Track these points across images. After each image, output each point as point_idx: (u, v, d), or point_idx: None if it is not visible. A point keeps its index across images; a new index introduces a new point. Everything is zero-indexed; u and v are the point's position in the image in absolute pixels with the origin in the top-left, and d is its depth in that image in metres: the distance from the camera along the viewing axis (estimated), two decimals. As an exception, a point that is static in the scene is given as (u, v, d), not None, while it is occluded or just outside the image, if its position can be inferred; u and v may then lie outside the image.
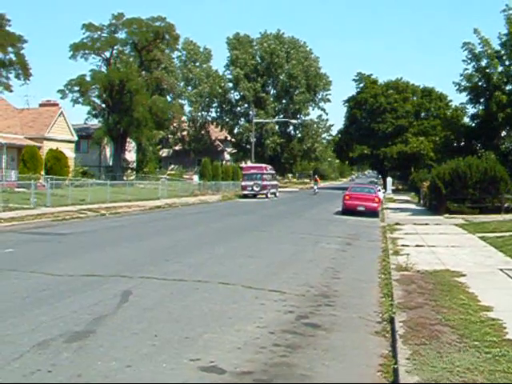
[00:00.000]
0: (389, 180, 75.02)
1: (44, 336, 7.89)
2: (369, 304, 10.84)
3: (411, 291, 11.24)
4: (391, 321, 9.23)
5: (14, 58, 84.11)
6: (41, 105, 62.18)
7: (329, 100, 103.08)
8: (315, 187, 72.97)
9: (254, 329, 8.64)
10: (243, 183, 57.23)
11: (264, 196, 55.64)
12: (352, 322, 9.46)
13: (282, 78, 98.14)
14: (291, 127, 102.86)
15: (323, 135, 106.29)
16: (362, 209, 35.23)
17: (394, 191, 73.80)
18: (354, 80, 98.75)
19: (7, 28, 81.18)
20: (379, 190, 48.22)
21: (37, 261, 14.43)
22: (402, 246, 19.01)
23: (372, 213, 35.30)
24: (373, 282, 13.19)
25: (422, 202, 49.00)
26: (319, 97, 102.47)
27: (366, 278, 13.58)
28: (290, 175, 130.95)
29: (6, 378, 6.38)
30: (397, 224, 27.67)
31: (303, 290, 11.72)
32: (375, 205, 36.08)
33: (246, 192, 55.47)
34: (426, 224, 27.92)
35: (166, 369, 6.85)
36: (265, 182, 56.22)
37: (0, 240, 18.97)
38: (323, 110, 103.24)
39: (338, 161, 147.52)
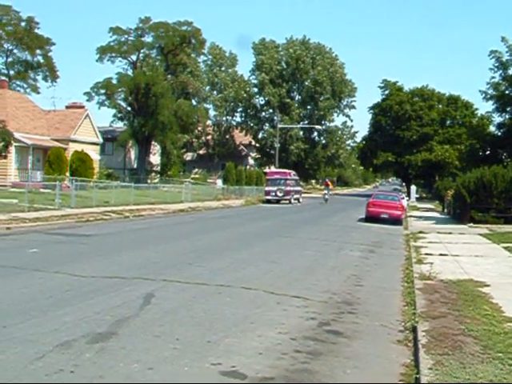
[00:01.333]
0: (413, 188, 74.67)
1: (67, 336, 7.94)
2: (391, 312, 10.78)
3: (434, 300, 11.17)
4: (414, 330, 9.16)
5: (41, 61, 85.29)
6: (67, 107, 62.64)
7: (354, 107, 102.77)
8: (326, 193, 60.44)
9: (276, 334, 8.63)
10: (267, 188, 57.22)
11: (287, 201, 55.58)
12: (374, 330, 9.41)
13: (307, 83, 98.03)
14: (315, 133, 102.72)
15: (347, 142, 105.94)
16: (385, 216, 35.07)
17: (417, 199, 73.42)
18: (379, 87, 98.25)
19: (36, 31, 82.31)
20: (403, 198, 47.99)
21: (61, 261, 14.53)
22: (426, 254, 18.88)
23: (395, 220, 35.07)
24: (396, 290, 13.12)
25: (445, 210, 48.63)
26: (344, 103, 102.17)
27: (388, 286, 13.51)
28: (313, 181, 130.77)
29: (29, 376, 6.43)
30: (420, 232, 27.49)
31: (326, 296, 11.69)
32: (399, 212, 35.87)
33: (269, 197, 55.44)
34: (450, 233, 27.71)
35: (188, 372, 6.86)
36: (288, 188, 56.17)
37: (25, 240, 19.13)
38: (348, 116, 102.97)
39: (361, 168, 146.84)
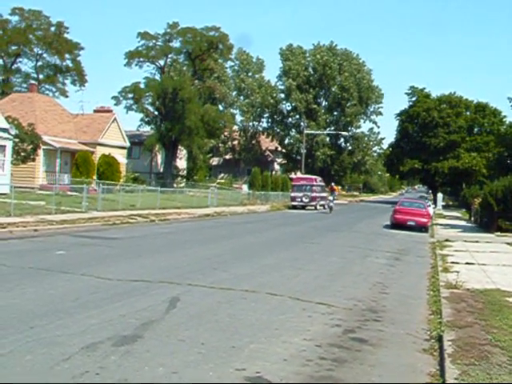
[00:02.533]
0: (439, 195, 74.12)
1: (93, 338, 7.98)
2: (417, 321, 10.71)
3: (460, 310, 11.08)
4: (439, 339, 9.09)
5: (70, 65, 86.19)
6: (95, 111, 63.14)
7: (380, 113, 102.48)
8: (331, 200, 53.22)
9: (301, 341, 8.61)
10: (292, 194, 57.15)
11: (313, 208, 55.48)
12: (400, 338, 9.35)
13: (334, 89, 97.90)
14: (342, 139, 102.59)
15: (374, 148, 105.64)
16: (412, 223, 35.12)
17: (444, 207, 72.85)
18: (406, 93, 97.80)
19: (65, 35, 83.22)
20: (429, 206, 47.72)
21: (87, 264, 14.63)
22: (452, 263, 18.74)
23: (421, 228, 35.12)
24: (421, 298, 13.04)
25: (472, 218, 48.22)
26: (371, 109, 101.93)
27: (414, 295, 13.43)
28: (339, 187, 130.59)
29: (55, 378, 6.48)
30: (447, 240, 27.29)
31: (351, 303, 11.65)
32: (425, 220, 35.84)
33: (294, 203, 55.37)
34: (477, 241, 27.47)
35: (212, 377, 6.87)
36: (314, 194, 56.07)
37: (52, 242, 19.30)
38: (375, 122, 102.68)
39: (388, 174, 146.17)
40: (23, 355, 7.15)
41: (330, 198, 53.84)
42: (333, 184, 61.86)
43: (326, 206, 56.21)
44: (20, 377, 6.48)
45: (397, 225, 35.51)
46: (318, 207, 56.28)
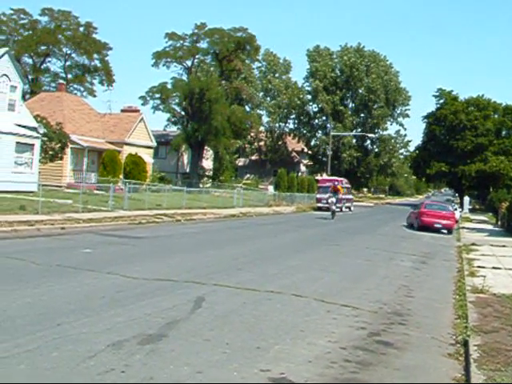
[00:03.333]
0: (466, 199, 73.47)
1: (118, 336, 8.03)
2: (442, 325, 10.64)
3: (487, 314, 10.99)
4: (465, 344, 9.01)
5: (98, 65, 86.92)
6: (122, 110, 63.55)
7: (407, 115, 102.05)
8: (333, 203, 42.27)
9: (326, 343, 8.60)
10: (318, 196, 57.07)
11: (339, 210, 55.33)
12: (425, 342, 9.29)
13: (361, 91, 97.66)
14: (368, 141, 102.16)
15: (400, 151, 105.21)
16: (438, 226, 35.86)
17: (470, 210, 72.16)
18: (434, 96, 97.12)
19: (94, 35, 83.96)
20: (456, 209, 47.44)
21: (113, 262, 14.73)
22: (478, 267, 18.56)
23: (447, 230, 36.01)
24: (447, 302, 12.96)
25: (499, 222, 47.77)
26: (398, 112, 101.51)
27: (440, 298, 13.34)
28: (365, 190, 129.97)
29: (81, 375, 6.53)
30: (473, 244, 27.05)
31: (376, 306, 11.61)
32: (451, 222, 36.68)
33: (320, 205, 55.25)
34: (504, 246, 27.20)
35: (237, 377, 6.88)
36: (340, 196, 55.96)
37: (78, 240, 19.45)
38: (401, 125, 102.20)
39: (414, 177, 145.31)
40: (50, 351, 7.22)
41: (333, 199, 41.69)
42: (336, 183, 46.36)
43: (345, 208, 56.29)
44: (47, 372, 6.54)
45: (423, 227, 35.91)
46: (344, 209, 56.13)
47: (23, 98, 46.30)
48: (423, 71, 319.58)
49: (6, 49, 43.41)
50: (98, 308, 9.69)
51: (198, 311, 9.96)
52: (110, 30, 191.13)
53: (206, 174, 74.65)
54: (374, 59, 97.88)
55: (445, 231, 36.23)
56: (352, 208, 60.13)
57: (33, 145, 39.45)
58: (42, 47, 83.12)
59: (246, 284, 12.71)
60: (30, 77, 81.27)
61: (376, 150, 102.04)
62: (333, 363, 7.70)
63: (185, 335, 8.42)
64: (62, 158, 47.90)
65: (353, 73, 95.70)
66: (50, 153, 45.43)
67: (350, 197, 62.45)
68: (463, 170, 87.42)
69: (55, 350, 7.28)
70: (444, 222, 36.22)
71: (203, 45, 79.05)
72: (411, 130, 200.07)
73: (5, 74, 38.95)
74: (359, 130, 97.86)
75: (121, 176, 49.05)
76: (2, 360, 6.79)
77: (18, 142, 37.85)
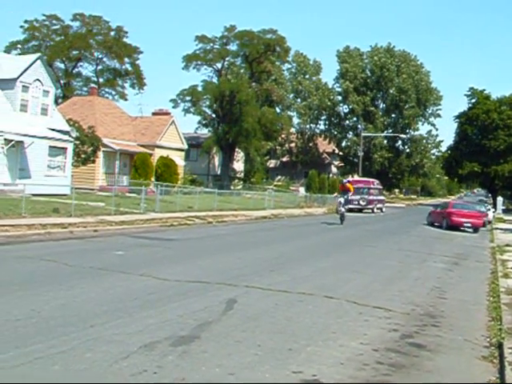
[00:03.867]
0: (499, 199, 72.67)
1: (151, 338, 8.06)
2: (476, 327, 10.52)
3: (522, 316, 10.87)
4: (499, 346, 8.89)
5: (129, 68, 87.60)
6: (153, 113, 64.02)
7: (439, 115, 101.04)
8: (341, 204, 34.96)
9: (358, 345, 8.55)
10: (349, 197, 56.89)
11: (370, 211, 55.11)
12: (458, 344, 9.19)
13: (391, 91, 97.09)
14: (400, 142, 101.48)
15: (432, 151, 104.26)
16: (468, 225, 37.36)
17: (504, 211, 71.34)
18: (465, 95, 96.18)
19: (124, 39, 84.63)
20: (489, 210, 47.05)
21: (145, 264, 14.81)
22: (513, 268, 18.38)
23: (473, 229, 37.56)
24: (481, 304, 12.81)
25: (534, 223, 47.23)
26: (429, 112, 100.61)
27: (473, 300, 13.20)
28: (396, 191, 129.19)
29: (114, 375, 6.57)
30: (507, 245, 26.74)
31: (408, 308, 11.53)
32: (479, 221, 38.34)
33: (351, 206, 55.07)
34: (539, 247, 26.86)
35: (269, 379, 6.87)
36: (371, 197, 55.78)
37: (111, 242, 19.61)
38: (433, 125, 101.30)
39: (446, 178, 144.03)
40: (83, 352, 7.28)
41: (341, 200, 34.82)
42: (344, 181, 38.68)
43: (376, 210, 55.94)
44: (80, 373, 6.61)
45: (452, 226, 37.06)
46: (375, 210, 55.91)
47: (56, 102, 46.94)
48: (454, 70, 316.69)
49: (39, 54, 44.05)
50: (131, 310, 9.76)
51: (230, 313, 9.97)
52: (140, 34, 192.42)
53: (237, 175, 74.82)
54: (405, 59, 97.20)
55: (470, 230, 37.46)
56: (384, 209, 59.83)
57: (65, 148, 39.86)
58: (74, 52, 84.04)
59: (277, 286, 12.70)
60: (62, 81, 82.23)
61: (407, 150, 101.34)
62: (365, 365, 7.65)
63: (217, 337, 8.44)
64: (94, 161, 48.37)
65: (383, 73, 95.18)
66: (83, 156, 45.89)
67: (382, 198, 62.15)
68: (496, 170, 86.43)
69: (89, 351, 7.34)
70: (472, 220, 37.73)
71: (233, 47, 79.38)
72: (443, 130, 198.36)
73: (38, 79, 39.46)
74: (390, 130, 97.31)
75: (152, 178, 49.33)
76: (36, 361, 6.87)
77: (51, 146, 38.27)
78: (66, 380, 6.40)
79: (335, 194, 40.55)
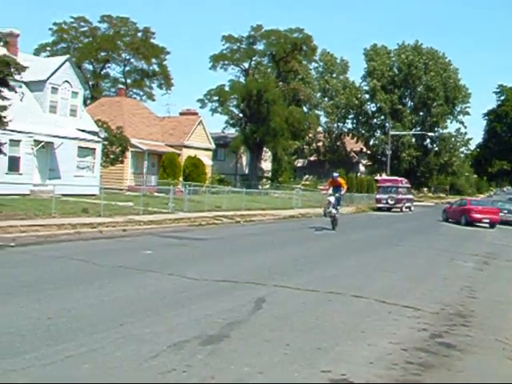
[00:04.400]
0: (529, 197, 71.82)
1: (180, 337, 8.09)
2: (507, 327, 10.40)
3: (554, 316, 10.74)
4: (531, 346, 8.83)
5: (157, 69, 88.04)
6: (181, 113, 64.25)
7: (468, 113, 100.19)
8: (332, 202, 27.72)
9: (387, 344, 8.50)
10: (378, 196, 56.72)
11: (398, 210, 54.80)
12: (489, 344, 9.08)
13: (419, 89, 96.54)
14: (428, 140, 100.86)
15: (461, 149, 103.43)
16: (486, 221, 39.60)
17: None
18: (494, 92, 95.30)
19: (152, 40, 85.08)
20: None
21: (174, 264, 14.89)
22: (544, 267, 18.19)
23: (490, 225, 39.45)
24: (511, 304, 12.69)
25: None
26: (458, 109, 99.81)
27: (504, 300, 13.04)
28: (425, 189, 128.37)
29: (143, 374, 6.61)
30: (539, 244, 26.51)
31: (438, 307, 11.43)
32: (496, 217, 40.32)
33: (380, 205, 54.89)
34: None
35: (298, 378, 6.86)
36: (400, 196, 55.44)
37: (139, 242, 19.73)
38: (462, 123, 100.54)
39: (475, 176, 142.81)
40: (113, 351, 7.34)
41: (331, 199, 27.75)
42: (335, 175, 29.14)
43: (405, 208, 55.51)
44: (110, 371, 6.65)
45: (471, 222, 39.37)
46: (404, 209, 55.60)
47: (84, 103, 47.34)
48: (483, 68, 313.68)
49: (68, 56, 44.50)
50: (160, 309, 9.81)
51: (259, 312, 9.98)
52: (167, 35, 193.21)
53: (265, 175, 74.82)
54: (433, 57, 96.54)
55: (487, 225, 39.32)
56: (412, 208, 59.45)
57: (94, 149, 40.21)
58: (102, 53, 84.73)
59: (305, 285, 12.68)
60: (90, 83, 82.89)
61: (436, 148, 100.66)
62: (394, 365, 7.61)
63: (246, 336, 8.44)
64: (122, 162, 48.73)
65: (411, 71, 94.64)
66: (111, 156, 46.24)
67: (410, 196, 61.77)
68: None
69: (118, 350, 7.39)
70: (490, 216, 39.75)
71: (260, 46, 79.38)
72: (472, 128, 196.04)
73: (66, 81, 39.84)
74: (418, 128, 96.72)
75: (180, 178, 49.55)
76: (67, 359, 6.93)
77: (80, 147, 38.65)
78: (97, 378, 6.45)
79: (327, 190, 31.76)
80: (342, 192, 28.45)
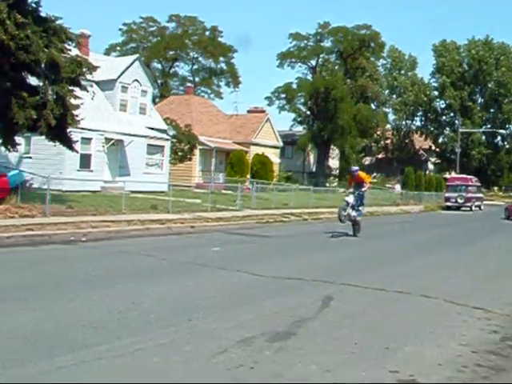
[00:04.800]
0: None
1: (247, 333, 8.13)
2: None
3: None
4: None
5: (224, 67, 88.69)
6: (249, 111, 64.49)
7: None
8: (351, 205, 22.60)
9: (456, 346, 8.35)
10: (447, 194, 55.87)
11: (468, 209, 53.83)
12: None
13: (490, 85, 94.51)
14: (499, 138, 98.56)
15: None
16: None
17: None
18: None
19: (219, 39, 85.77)
20: None
21: (242, 260, 14.99)
22: None
23: None
24: None
25: None
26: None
27: None
28: (495, 188, 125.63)
29: (212, 369, 6.68)
30: None
31: (509, 309, 11.16)
32: None
33: (449, 204, 54.03)
34: None
35: (365, 377, 6.80)
36: (469, 195, 54.46)
37: (208, 238, 19.94)
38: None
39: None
40: (182, 345, 7.44)
41: (349, 199, 22.92)
42: (354, 169, 24.61)
43: (474, 207, 54.48)
44: (178, 365, 6.73)
45: None
46: (474, 208, 54.59)
47: (153, 101, 48.08)
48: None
49: (137, 55, 45.31)
50: (228, 305, 9.90)
51: (326, 310, 9.95)
52: (235, 33, 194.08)
53: (332, 173, 74.51)
54: (504, 52, 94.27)
55: None
56: (482, 207, 58.31)
57: (163, 146, 40.81)
58: (170, 52, 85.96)
59: (374, 284, 12.57)
60: (159, 81, 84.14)
61: (507, 146, 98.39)
62: (464, 367, 7.47)
63: (313, 334, 8.43)
64: (190, 159, 49.27)
65: (481, 67, 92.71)
66: (180, 154, 46.84)
67: (480, 195, 60.57)
68: None
69: (187, 345, 7.48)
70: None
71: (327, 44, 79.26)
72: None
73: (136, 80, 40.53)
74: (489, 126, 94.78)
75: (248, 176, 49.81)
76: (137, 352, 7.06)
77: (149, 144, 39.30)
78: (165, 372, 6.55)
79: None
80: (364, 189, 23.23)
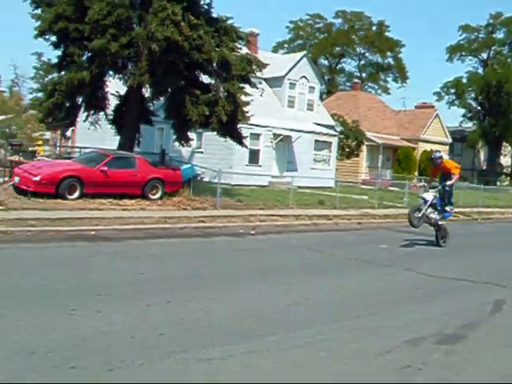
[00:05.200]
0: None
1: (415, 333, 8.02)
2: None
3: None
4: None
5: (391, 62, 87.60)
6: (416, 107, 63.30)
7: None
8: (426, 202, 16.90)
9: None
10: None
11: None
12: None
13: None
14: None
15: None
16: None
17: None
18: None
19: (386, 34, 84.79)
20: None
21: (410, 259, 14.79)
22: None
23: None
24: None
25: None
26: None
27: None
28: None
29: (378, 367, 6.62)
30: None
31: None
32: None
33: None
34: None
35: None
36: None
37: (374, 235, 19.91)
38: None
39: None
40: (349, 342, 7.47)
41: (427, 196, 17.37)
42: (437, 155, 17.87)
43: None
44: (345, 360, 6.79)
45: None
46: None
47: (320, 97, 48.27)
48: None
49: (304, 52, 45.80)
50: (395, 303, 9.84)
51: (497, 315, 9.60)
52: (402, 27, 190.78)
53: (504, 171, 71.53)
54: None
55: None
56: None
57: (330, 142, 40.97)
58: (337, 48, 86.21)
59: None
60: (326, 77, 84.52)
61: None
62: None
63: (484, 338, 8.18)
64: (357, 155, 49.15)
65: None
66: (347, 150, 46.85)
67: None
68: None
69: (354, 341, 7.51)
70: None
71: (499, 35, 75.96)
72: None
73: (304, 76, 40.93)
74: None
75: (415, 173, 48.93)
76: (305, 345, 7.19)
77: (316, 140, 39.61)
78: (332, 367, 6.61)
79: (420, 184, 25.04)
80: (451, 182, 17.55)
